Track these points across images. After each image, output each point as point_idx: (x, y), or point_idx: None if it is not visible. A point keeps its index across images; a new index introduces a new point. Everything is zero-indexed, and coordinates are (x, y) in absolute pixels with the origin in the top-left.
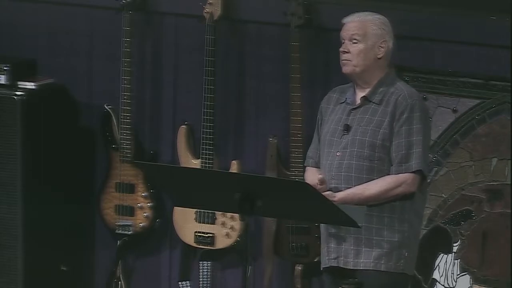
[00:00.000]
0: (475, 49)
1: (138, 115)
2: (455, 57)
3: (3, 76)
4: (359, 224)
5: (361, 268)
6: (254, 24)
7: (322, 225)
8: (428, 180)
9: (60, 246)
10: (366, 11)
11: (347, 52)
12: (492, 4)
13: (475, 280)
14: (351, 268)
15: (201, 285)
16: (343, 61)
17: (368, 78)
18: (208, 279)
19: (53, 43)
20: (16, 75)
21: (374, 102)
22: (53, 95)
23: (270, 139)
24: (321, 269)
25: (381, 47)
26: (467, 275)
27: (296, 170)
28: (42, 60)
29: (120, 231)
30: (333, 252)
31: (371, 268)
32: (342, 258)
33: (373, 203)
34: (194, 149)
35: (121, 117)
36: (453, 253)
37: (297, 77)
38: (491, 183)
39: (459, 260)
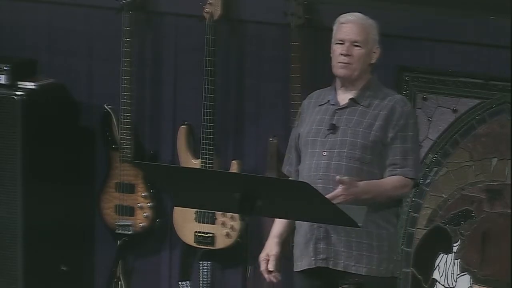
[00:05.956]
0: (475, 49)
1: (138, 115)
2: (455, 57)
3: (3, 76)
4: (359, 224)
5: (352, 272)
6: (254, 24)
7: (306, 227)
8: (428, 180)
9: (60, 246)
10: (358, 11)
11: (349, 55)
12: (492, 4)
13: (475, 280)
14: (341, 269)
15: (201, 285)
16: (343, 64)
17: (357, 81)
18: (208, 279)
19: (53, 43)
20: (16, 75)
21: (362, 105)
22: (53, 95)
23: (270, 139)
24: (300, 270)
25: (375, 52)
26: (467, 275)
27: None
28: (42, 60)
29: (120, 231)
30: (322, 253)
31: (363, 273)
32: (332, 260)
33: (379, 200)
34: (194, 149)
35: (121, 117)
36: (453, 253)
37: (297, 77)
38: (491, 183)
39: (459, 260)
